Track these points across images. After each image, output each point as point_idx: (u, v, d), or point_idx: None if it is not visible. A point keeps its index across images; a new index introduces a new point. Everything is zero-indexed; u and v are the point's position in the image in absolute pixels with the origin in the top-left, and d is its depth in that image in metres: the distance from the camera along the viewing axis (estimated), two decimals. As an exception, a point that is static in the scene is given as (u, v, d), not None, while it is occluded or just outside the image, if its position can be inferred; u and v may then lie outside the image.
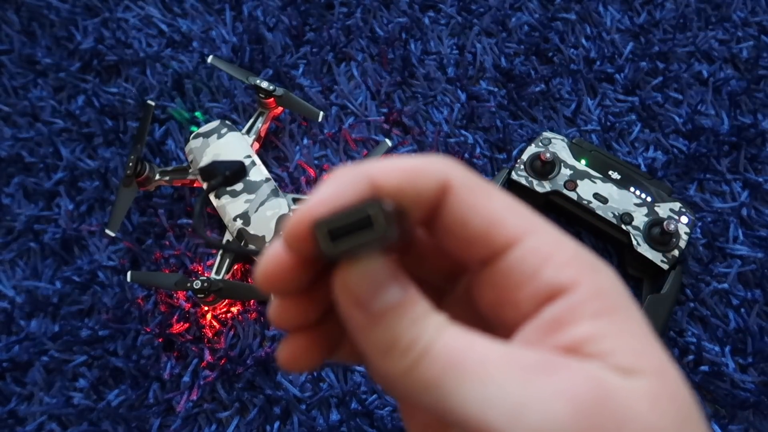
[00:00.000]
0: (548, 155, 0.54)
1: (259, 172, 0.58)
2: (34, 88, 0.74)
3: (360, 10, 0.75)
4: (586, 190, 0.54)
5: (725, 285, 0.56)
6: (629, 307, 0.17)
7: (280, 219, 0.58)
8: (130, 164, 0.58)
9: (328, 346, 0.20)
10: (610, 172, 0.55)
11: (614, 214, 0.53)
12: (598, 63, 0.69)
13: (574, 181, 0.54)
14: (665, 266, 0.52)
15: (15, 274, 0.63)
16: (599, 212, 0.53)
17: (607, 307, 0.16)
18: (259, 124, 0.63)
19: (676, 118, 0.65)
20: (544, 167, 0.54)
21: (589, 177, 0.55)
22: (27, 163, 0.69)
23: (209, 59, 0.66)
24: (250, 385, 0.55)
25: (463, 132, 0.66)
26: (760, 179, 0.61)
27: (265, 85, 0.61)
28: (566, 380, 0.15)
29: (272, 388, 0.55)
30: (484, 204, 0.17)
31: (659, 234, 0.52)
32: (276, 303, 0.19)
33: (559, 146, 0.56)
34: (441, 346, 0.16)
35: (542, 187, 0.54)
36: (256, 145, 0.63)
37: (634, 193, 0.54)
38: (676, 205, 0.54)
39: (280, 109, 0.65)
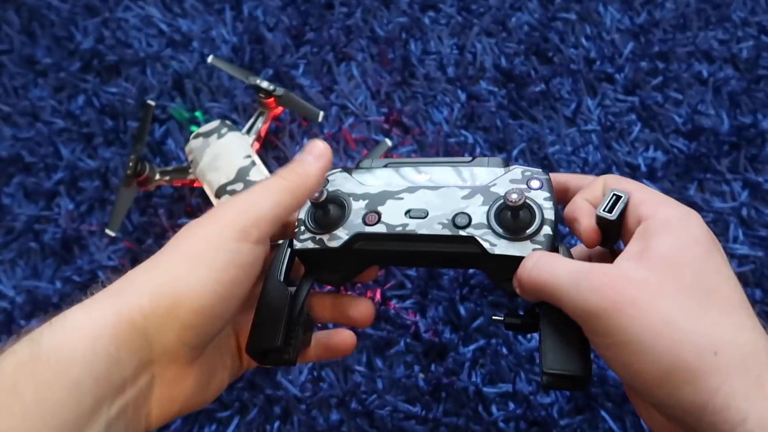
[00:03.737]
0: (323, 196, 0.37)
1: (259, 172, 0.58)
2: (34, 88, 0.74)
3: (360, 10, 0.75)
4: (393, 213, 0.37)
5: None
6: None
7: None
8: (130, 164, 0.58)
9: None
10: (415, 178, 0.39)
11: (444, 224, 0.36)
12: (598, 63, 0.69)
13: (375, 210, 0.37)
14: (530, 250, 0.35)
15: (15, 274, 0.63)
16: (423, 232, 0.36)
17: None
18: (259, 124, 0.63)
19: (676, 118, 0.65)
20: (328, 213, 0.38)
21: (391, 195, 0.38)
22: (27, 163, 0.69)
23: (209, 59, 0.66)
24: (250, 385, 0.55)
25: (463, 132, 0.66)
26: (760, 179, 0.61)
27: (265, 85, 0.61)
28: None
29: (272, 388, 0.55)
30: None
31: (511, 217, 0.35)
32: None
33: (340, 179, 0.40)
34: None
35: (336, 239, 0.37)
36: (257, 145, 0.63)
37: (456, 185, 0.38)
38: (517, 173, 0.38)
39: (280, 109, 0.65)
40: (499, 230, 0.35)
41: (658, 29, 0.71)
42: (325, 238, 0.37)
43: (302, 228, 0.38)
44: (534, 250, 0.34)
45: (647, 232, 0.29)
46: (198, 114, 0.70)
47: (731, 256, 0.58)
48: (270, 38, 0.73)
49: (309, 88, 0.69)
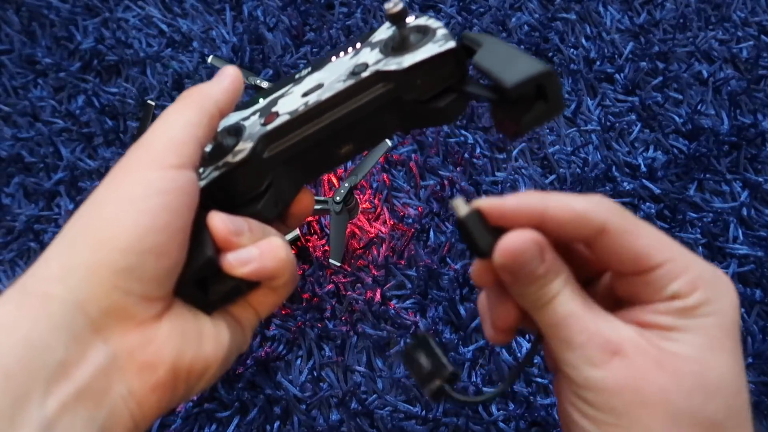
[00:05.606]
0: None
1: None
2: (34, 88, 0.74)
3: (360, 10, 0.75)
4: (290, 102, 0.33)
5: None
6: (720, 323, 0.24)
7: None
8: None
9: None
10: (297, 77, 0.35)
11: (344, 80, 0.31)
12: (598, 63, 0.69)
13: (270, 112, 0.33)
14: (451, 43, 0.29)
15: (15, 274, 0.63)
16: (327, 95, 0.31)
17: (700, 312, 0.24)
18: (259, 124, 0.63)
19: (676, 118, 0.65)
20: (223, 143, 0.33)
21: (280, 96, 0.34)
22: (27, 163, 0.69)
23: (209, 59, 0.66)
24: (250, 385, 0.55)
25: (463, 132, 0.66)
26: (760, 179, 0.61)
27: (265, 85, 0.61)
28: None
29: (272, 388, 0.55)
30: (634, 243, 0.24)
31: (401, 37, 0.31)
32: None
33: (223, 120, 0.34)
34: (553, 306, 0.25)
35: (241, 152, 0.31)
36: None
37: (339, 57, 0.34)
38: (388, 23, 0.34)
39: (280, 109, 0.64)
40: (399, 53, 0.31)
41: (658, 29, 0.71)
42: (228, 158, 0.31)
43: (200, 171, 0.32)
44: (441, 44, 0.29)
45: (683, 313, 0.24)
46: (198, 114, 0.70)
47: (731, 256, 0.58)
48: (270, 38, 0.73)
49: (309, 88, 0.69)
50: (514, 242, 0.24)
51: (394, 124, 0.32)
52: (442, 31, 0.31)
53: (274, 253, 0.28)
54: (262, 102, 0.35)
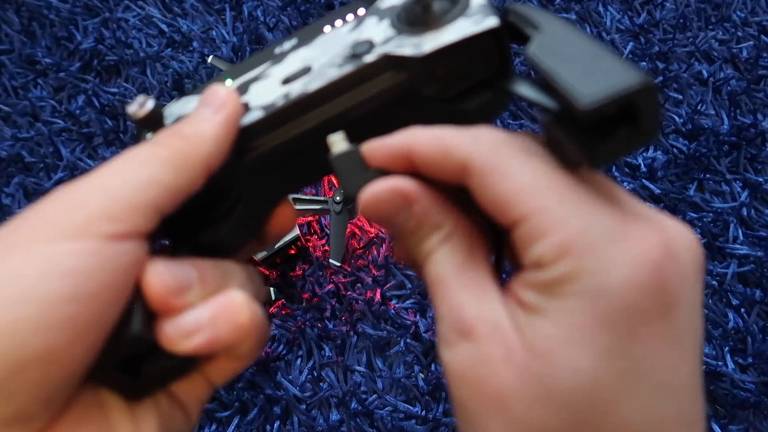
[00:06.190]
0: (144, 109, 0.25)
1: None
2: (34, 88, 0.74)
3: (360, 10, 0.75)
4: (265, 91, 0.25)
5: (725, 285, 0.56)
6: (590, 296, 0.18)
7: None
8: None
9: None
10: (276, 51, 0.26)
11: (340, 63, 0.23)
12: (598, 63, 0.69)
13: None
14: (491, 21, 0.21)
15: (15, 274, 0.63)
16: (316, 85, 0.23)
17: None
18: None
19: (676, 118, 0.65)
20: None
21: (252, 80, 0.26)
22: (27, 163, 0.69)
23: (209, 59, 0.66)
24: (250, 384, 0.55)
25: (463, 132, 0.66)
26: (760, 179, 0.61)
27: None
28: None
29: (272, 388, 0.55)
30: (498, 185, 0.18)
31: (423, 8, 0.22)
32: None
33: (177, 104, 0.28)
34: (427, 267, 0.20)
35: None
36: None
37: (334, 27, 0.26)
38: None
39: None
40: (417, 30, 0.22)
41: (658, 29, 0.71)
42: None
43: None
44: (476, 21, 0.21)
45: (544, 289, 0.18)
46: (198, 114, 0.70)
47: (731, 256, 0.58)
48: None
49: (309, 88, 0.69)
50: (372, 193, 0.20)
51: (403, 124, 0.22)
52: (477, 1, 0.22)
53: (230, 317, 0.21)
54: (229, 84, 0.26)
